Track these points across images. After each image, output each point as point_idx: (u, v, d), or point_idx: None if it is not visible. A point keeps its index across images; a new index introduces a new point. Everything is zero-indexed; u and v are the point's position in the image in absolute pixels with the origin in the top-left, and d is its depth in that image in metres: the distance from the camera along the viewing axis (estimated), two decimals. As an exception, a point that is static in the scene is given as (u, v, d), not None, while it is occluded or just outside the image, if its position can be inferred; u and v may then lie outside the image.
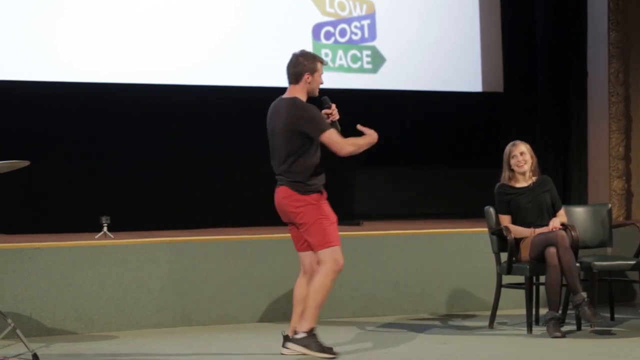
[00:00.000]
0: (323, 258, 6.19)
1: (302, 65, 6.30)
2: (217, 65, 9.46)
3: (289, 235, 8.39)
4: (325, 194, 6.37)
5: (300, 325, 6.25)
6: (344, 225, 9.42)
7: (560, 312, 7.32)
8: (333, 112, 6.32)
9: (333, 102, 6.15)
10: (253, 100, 9.62)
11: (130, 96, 9.24)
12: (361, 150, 6.26)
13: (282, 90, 9.78)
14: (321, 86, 9.68)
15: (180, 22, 9.33)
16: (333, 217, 6.33)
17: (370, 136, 6.28)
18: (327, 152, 6.36)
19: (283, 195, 6.40)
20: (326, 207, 6.33)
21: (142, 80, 9.18)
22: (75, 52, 8.93)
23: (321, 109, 6.33)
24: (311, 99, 6.39)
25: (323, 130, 6.20)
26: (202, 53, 9.37)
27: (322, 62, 6.37)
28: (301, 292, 6.35)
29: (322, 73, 6.34)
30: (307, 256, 6.37)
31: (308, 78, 6.28)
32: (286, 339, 6.33)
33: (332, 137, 6.22)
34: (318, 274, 6.20)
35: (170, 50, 9.26)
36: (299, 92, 6.31)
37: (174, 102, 9.39)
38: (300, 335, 6.23)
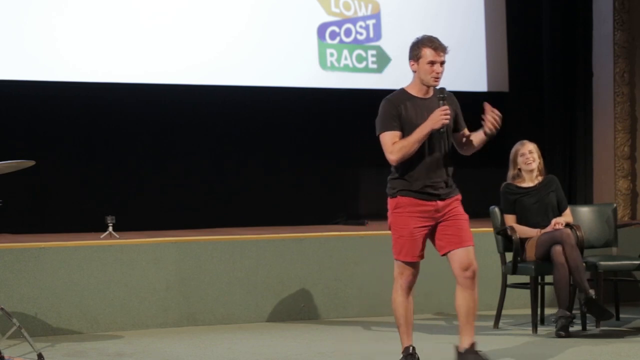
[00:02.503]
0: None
1: (409, 52, 5.77)
2: (222, 65, 9.45)
3: (294, 235, 8.45)
4: (414, 202, 5.64)
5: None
6: (349, 225, 9.47)
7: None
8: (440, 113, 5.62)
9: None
10: (259, 100, 9.67)
11: (137, 96, 9.24)
12: (414, 146, 5.56)
13: (287, 89, 9.85)
14: (327, 85, 9.80)
15: (184, 22, 9.32)
16: (405, 231, 5.64)
17: (423, 125, 5.57)
18: (438, 154, 5.69)
19: None
20: (400, 218, 5.65)
21: (148, 80, 9.18)
22: (79, 52, 8.92)
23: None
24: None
25: (378, 132, 5.68)
26: (207, 53, 9.36)
27: (432, 47, 5.67)
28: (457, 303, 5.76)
29: (432, 61, 5.65)
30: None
31: (413, 65, 5.74)
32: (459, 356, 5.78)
33: (382, 141, 5.65)
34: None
35: (174, 50, 9.25)
36: (411, 83, 5.79)
37: (180, 102, 9.38)
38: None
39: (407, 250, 5.67)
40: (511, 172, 7.65)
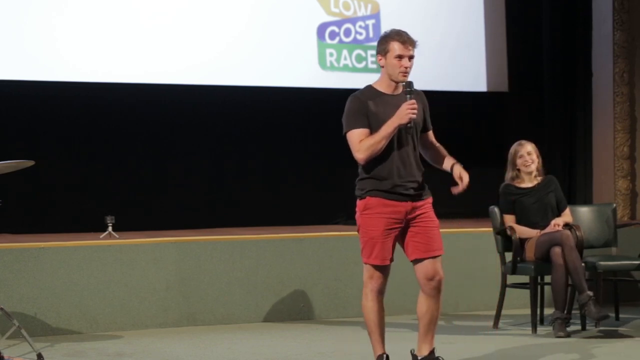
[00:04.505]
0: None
1: (377, 47, 5.51)
2: (222, 66, 9.46)
3: (294, 235, 8.46)
4: (384, 202, 5.45)
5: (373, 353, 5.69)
6: (349, 225, 9.46)
7: (565, 312, 7.32)
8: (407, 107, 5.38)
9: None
10: (259, 100, 9.67)
11: (137, 96, 9.24)
12: (382, 144, 5.36)
13: (287, 89, 9.85)
14: (326, 85, 9.80)
15: (184, 22, 9.33)
16: (375, 232, 5.44)
17: (390, 121, 5.37)
18: (404, 154, 5.51)
19: None
20: (370, 220, 5.45)
21: (148, 80, 9.19)
22: (79, 52, 8.93)
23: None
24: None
25: (345, 130, 5.49)
26: (207, 53, 9.37)
27: (400, 41, 5.42)
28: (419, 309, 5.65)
29: (400, 55, 5.41)
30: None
31: (381, 60, 5.49)
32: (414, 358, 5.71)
33: (349, 140, 5.47)
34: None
35: (174, 50, 9.26)
36: (379, 79, 5.57)
37: (180, 102, 9.39)
38: None
39: (377, 253, 5.47)
40: (510, 174, 7.64)
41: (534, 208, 7.53)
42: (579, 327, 7.44)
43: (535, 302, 7.44)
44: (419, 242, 5.53)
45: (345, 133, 5.50)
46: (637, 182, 10.38)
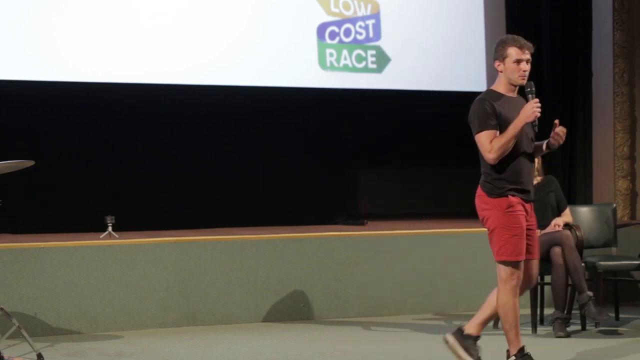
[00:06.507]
0: (498, 272, 5.68)
1: (494, 53, 5.82)
2: (222, 66, 9.46)
3: (294, 235, 8.45)
4: (520, 201, 5.65)
5: (510, 349, 5.84)
6: (349, 225, 9.48)
7: (565, 312, 7.32)
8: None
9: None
10: (259, 100, 9.67)
11: (137, 96, 9.24)
12: (511, 143, 5.57)
13: (287, 89, 9.85)
14: (326, 85, 9.80)
15: (184, 22, 9.32)
16: (519, 229, 5.61)
17: (517, 120, 5.60)
18: (525, 155, 5.70)
19: (476, 195, 5.77)
20: (514, 217, 5.62)
21: (148, 80, 9.18)
22: (79, 52, 8.93)
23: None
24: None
25: (476, 131, 5.67)
26: (207, 53, 9.37)
27: (517, 46, 5.73)
28: (491, 298, 5.84)
29: (518, 59, 5.74)
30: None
31: (499, 66, 5.78)
32: (459, 332, 5.89)
33: (479, 140, 5.67)
34: (497, 292, 5.73)
35: (174, 50, 9.26)
36: (497, 83, 5.82)
37: (180, 102, 9.39)
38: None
39: (521, 249, 5.62)
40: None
41: (534, 208, 7.52)
42: (579, 327, 7.45)
43: (535, 302, 7.45)
44: (529, 245, 5.72)
45: (476, 134, 5.68)
46: (637, 182, 10.38)
